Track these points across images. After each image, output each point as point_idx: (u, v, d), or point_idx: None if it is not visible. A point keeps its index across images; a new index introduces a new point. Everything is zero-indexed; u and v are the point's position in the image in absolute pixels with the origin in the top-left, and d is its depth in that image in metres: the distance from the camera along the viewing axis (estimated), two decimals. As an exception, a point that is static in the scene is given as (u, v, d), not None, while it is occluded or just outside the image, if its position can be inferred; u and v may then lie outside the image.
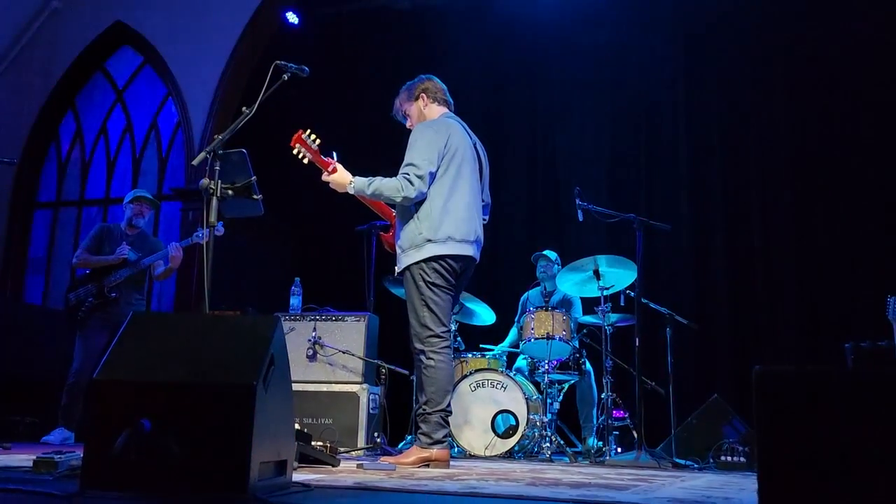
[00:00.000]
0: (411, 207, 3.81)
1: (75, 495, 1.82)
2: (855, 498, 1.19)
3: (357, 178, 3.83)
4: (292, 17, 7.90)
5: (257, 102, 3.34)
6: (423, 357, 3.75)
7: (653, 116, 7.20)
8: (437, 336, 3.75)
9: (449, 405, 3.76)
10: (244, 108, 3.32)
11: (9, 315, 6.85)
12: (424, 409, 3.72)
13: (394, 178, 3.76)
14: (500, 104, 7.62)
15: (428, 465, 3.62)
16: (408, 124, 4.15)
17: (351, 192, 3.84)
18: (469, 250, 3.85)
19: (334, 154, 3.89)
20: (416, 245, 3.76)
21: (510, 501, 2.18)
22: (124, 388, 1.93)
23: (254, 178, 3.26)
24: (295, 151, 3.82)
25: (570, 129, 7.37)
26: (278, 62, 3.51)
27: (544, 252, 6.32)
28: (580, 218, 5.31)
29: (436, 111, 4.09)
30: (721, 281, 6.66)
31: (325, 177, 3.87)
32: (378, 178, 3.79)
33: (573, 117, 7.40)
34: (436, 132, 3.86)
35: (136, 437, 1.80)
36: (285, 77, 3.51)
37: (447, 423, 3.76)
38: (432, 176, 3.78)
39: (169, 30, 8.04)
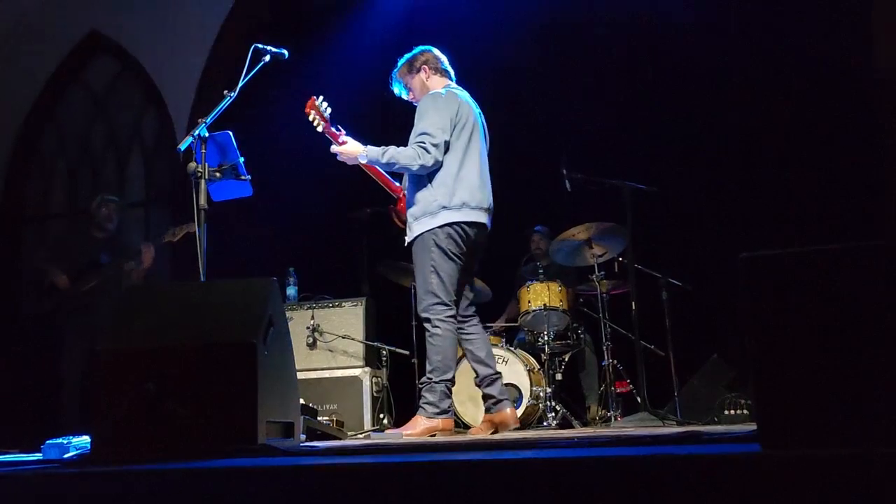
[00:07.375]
0: (423, 177, 3.81)
1: (87, 463, 1.84)
2: (854, 376, 1.20)
3: (370, 146, 3.82)
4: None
5: (238, 86, 3.37)
6: (428, 325, 3.76)
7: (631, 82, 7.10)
8: (444, 304, 3.75)
9: (453, 377, 3.77)
10: (225, 91, 3.34)
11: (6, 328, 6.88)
12: (430, 378, 3.72)
13: (408, 147, 3.76)
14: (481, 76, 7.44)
15: (434, 436, 3.64)
16: (409, 97, 4.16)
17: (363, 161, 3.84)
18: (483, 217, 3.89)
19: (341, 128, 3.90)
20: (430, 212, 3.77)
21: (522, 450, 2.20)
22: (126, 355, 1.95)
23: (241, 158, 3.28)
24: (310, 118, 3.82)
25: (552, 100, 7.29)
26: (257, 45, 3.54)
27: (535, 228, 6.35)
28: (568, 188, 5.33)
29: (438, 82, 4.09)
30: (712, 241, 6.63)
31: (334, 148, 3.88)
32: (392, 147, 3.79)
33: (555, 87, 7.29)
34: (446, 101, 3.88)
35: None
36: (265, 59, 3.53)
37: (451, 392, 3.78)
38: (446, 144, 3.80)
39: (144, 36, 7.98)
